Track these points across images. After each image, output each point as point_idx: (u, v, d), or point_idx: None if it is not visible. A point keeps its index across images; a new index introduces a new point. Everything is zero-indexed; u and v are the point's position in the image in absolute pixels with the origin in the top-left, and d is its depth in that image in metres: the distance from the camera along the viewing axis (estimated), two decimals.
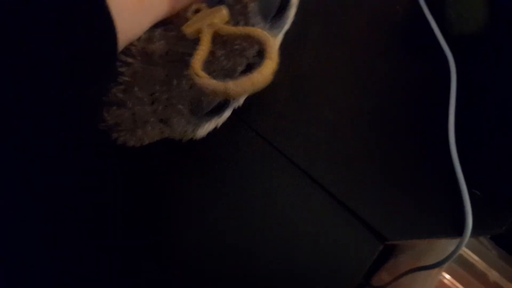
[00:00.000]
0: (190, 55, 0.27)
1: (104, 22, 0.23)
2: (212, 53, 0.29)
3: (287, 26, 0.33)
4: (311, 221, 0.36)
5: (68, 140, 0.27)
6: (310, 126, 0.39)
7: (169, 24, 0.30)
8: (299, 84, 0.39)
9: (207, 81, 0.25)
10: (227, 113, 0.32)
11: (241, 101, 0.32)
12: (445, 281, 0.49)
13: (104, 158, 0.34)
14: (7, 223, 0.31)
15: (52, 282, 0.32)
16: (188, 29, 0.28)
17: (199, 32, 0.28)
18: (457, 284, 0.49)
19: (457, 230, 0.37)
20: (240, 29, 0.27)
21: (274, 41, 0.26)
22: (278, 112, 0.38)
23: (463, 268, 0.48)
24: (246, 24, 0.29)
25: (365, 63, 0.42)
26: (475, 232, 0.37)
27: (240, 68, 0.29)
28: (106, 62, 0.25)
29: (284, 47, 0.34)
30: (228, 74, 0.29)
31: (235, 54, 0.29)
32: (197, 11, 0.29)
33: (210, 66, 0.29)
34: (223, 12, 0.28)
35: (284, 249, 0.35)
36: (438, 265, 0.39)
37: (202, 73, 0.25)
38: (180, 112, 0.30)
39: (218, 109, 0.31)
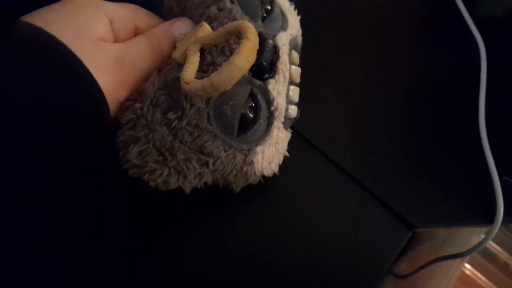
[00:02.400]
0: None
1: (91, 92, 0.24)
2: (213, 63, 0.27)
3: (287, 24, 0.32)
4: (337, 209, 0.35)
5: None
6: (336, 115, 0.38)
7: None
8: (324, 74, 0.38)
9: (194, 83, 0.24)
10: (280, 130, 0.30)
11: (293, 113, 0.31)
12: (467, 271, 0.48)
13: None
14: (6, 223, 0.31)
15: (52, 282, 0.31)
16: (177, 53, 0.27)
17: (185, 52, 0.27)
18: (479, 275, 0.48)
19: (487, 218, 0.36)
20: (220, 30, 0.26)
21: (250, 24, 0.25)
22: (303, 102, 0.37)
23: (485, 258, 0.47)
24: None
25: (392, 49, 0.42)
26: (506, 220, 0.36)
27: None
28: (100, 129, 0.26)
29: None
30: None
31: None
32: (182, 38, 0.29)
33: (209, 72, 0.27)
34: (204, 26, 0.27)
35: (311, 238, 0.34)
36: (465, 254, 0.38)
37: (190, 79, 0.24)
38: (208, 131, 0.27)
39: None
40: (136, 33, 0.29)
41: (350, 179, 0.36)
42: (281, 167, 0.33)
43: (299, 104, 0.32)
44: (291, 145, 0.33)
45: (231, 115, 0.27)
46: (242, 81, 0.28)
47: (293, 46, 0.32)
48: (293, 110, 0.31)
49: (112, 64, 0.25)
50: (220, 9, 0.29)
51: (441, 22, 0.43)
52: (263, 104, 0.29)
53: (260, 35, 0.28)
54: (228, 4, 0.29)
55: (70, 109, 0.23)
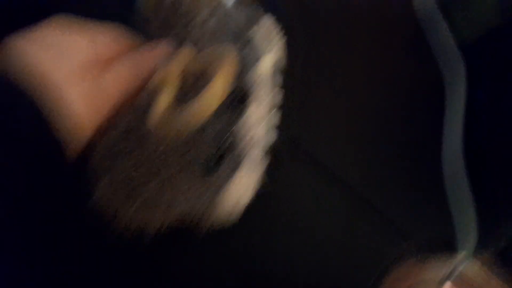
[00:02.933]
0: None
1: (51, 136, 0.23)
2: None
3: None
4: (338, 224, 0.35)
5: None
6: (337, 127, 0.37)
7: None
8: (319, 85, 0.38)
9: (165, 120, 0.24)
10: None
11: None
12: None
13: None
14: None
15: None
16: (153, 81, 0.27)
17: (162, 80, 0.26)
18: None
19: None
20: (198, 57, 0.26)
21: (226, 55, 0.25)
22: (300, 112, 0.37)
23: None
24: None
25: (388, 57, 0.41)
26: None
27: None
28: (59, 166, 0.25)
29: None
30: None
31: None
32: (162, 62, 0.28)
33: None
34: (185, 52, 0.27)
35: (308, 248, 0.34)
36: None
37: (158, 115, 0.24)
38: (176, 164, 0.26)
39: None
40: (119, 53, 0.28)
41: (341, 184, 0.36)
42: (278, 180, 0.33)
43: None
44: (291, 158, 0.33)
45: (203, 150, 0.27)
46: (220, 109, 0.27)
47: (276, 69, 0.32)
48: (273, 136, 0.31)
49: (89, 93, 0.25)
50: (203, 33, 0.29)
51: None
52: (232, 138, 0.28)
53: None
54: (209, 27, 0.29)
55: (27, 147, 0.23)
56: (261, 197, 0.32)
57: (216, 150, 0.27)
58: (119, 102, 0.27)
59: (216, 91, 0.23)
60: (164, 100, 0.25)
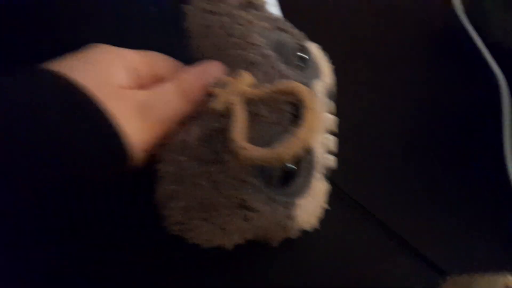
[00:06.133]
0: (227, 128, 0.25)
1: (112, 137, 0.24)
2: (252, 115, 0.26)
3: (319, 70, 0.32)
4: (366, 255, 0.34)
5: None
6: (361, 156, 0.37)
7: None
8: (344, 110, 0.37)
9: (254, 152, 0.24)
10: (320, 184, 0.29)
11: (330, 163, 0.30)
12: None
13: None
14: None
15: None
16: (217, 105, 0.26)
17: (228, 104, 0.26)
18: None
19: None
20: (270, 87, 0.26)
21: (309, 91, 0.25)
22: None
23: None
24: (277, 77, 0.27)
25: (404, 84, 0.40)
26: None
27: (287, 113, 0.27)
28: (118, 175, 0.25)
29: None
30: (276, 127, 0.27)
31: (276, 107, 0.27)
32: (217, 84, 0.28)
33: (253, 128, 0.26)
34: (246, 76, 0.27)
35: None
36: None
37: (247, 145, 0.24)
38: (251, 184, 0.26)
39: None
40: (160, 80, 0.28)
41: (375, 221, 0.35)
42: None
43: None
44: None
45: (272, 168, 0.26)
46: (281, 131, 0.27)
47: (327, 94, 0.31)
48: (331, 160, 0.30)
49: (136, 111, 0.25)
50: (261, 55, 0.28)
51: (457, 56, 0.42)
52: (304, 155, 0.27)
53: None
54: (268, 51, 0.28)
55: (91, 153, 0.23)
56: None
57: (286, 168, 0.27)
58: (170, 120, 0.27)
59: (310, 129, 0.24)
60: (239, 127, 0.24)
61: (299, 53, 0.30)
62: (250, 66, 0.28)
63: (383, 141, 0.38)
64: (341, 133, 0.31)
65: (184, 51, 0.30)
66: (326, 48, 0.34)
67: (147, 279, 0.32)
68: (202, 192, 0.26)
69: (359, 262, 0.34)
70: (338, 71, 0.34)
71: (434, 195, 0.36)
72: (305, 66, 0.30)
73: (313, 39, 0.33)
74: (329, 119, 0.30)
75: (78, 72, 0.24)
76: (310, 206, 0.29)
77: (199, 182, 0.26)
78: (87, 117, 0.22)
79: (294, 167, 0.27)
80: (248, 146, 0.24)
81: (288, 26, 0.32)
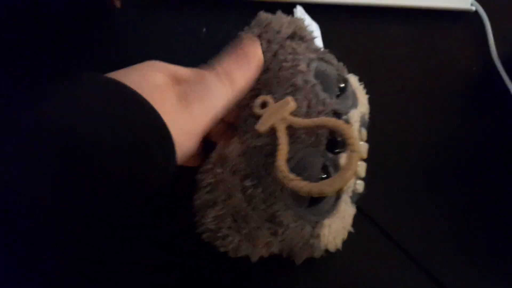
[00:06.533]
0: (269, 146, 0.28)
1: (164, 143, 0.23)
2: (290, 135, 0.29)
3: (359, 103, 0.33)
4: (385, 280, 0.35)
5: None
6: (389, 185, 0.38)
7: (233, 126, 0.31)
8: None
9: (299, 183, 0.25)
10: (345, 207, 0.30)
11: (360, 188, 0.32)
12: None
13: None
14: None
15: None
16: (262, 127, 0.28)
17: (273, 128, 0.28)
18: None
19: None
20: (314, 121, 0.28)
21: (351, 128, 0.27)
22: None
23: None
24: (317, 103, 0.29)
25: (439, 128, 0.42)
26: None
27: (324, 138, 0.29)
28: (166, 178, 0.24)
29: None
30: (313, 145, 0.29)
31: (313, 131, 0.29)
32: (263, 105, 0.30)
33: (292, 146, 0.28)
34: (291, 104, 0.29)
35: None
36: None
37: (292, 175, 0.26)
38: (281, 200, 0.28)
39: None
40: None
41: (398, 249, 0.36)
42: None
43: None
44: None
45: None
46: (316, 153, 0.29)
47: (362, 123, 0.33)
48: (360, 185, 0.32)
49: (178, 100, 0.25)
50: (305, 81, 0.30)
51: (491, 105, 0.43)
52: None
53: (335, 113, 0.30)
54: (312, 78, 0.30)
55: (143, 151, 0.22)
56: None
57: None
58: (213, 111, 0.27)
59: (354, 171, 0.25)
60: (283, 155, 0.26)
61: (339, 84, 0.32)
62: (294, 90, 0.30)
63: (406, 169, 0.39)
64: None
65: None
66: (373, 82, 0.36)
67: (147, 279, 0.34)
68: (236, 203, 0.27)
69: (365, 274, 0.35)
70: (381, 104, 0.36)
71: (445, 217, 0.38)
72: (344, 95, 0.32)
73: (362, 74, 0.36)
74: (362, 146, 0.32)
75: (117, 76, 0.24)
76: (336, 227, 0.30)
77: (234, 194, 0.27)
78: (140, 115, 0.22)
79: None
80: (293, 177, 0.25)
81: (331, 57, 0.34)
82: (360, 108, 0.33)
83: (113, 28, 0.44)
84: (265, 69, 0.32)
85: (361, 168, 0.32)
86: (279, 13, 0.34)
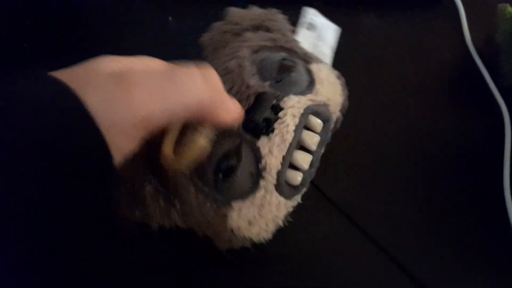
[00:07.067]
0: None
1: (97, 143, 0.22)
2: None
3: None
4: (359, 274, 0.34)
5: None
6: (359, 177, 0.37)
7: None
8: (348, 137, 0.38)
9: (170, 159, 0.26)
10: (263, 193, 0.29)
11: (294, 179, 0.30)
12: None
13: None
14: None
15: None
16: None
17: None
18: None
19: None
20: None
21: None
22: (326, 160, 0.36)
23: None
24: (242, 85, 0.29)
25: (414, 114, 0.41)
26: None
27: None
28: (102, 177, 0.23)
29: None
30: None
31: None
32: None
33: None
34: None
35: None
36: None
37: (169, 153, 0.25)
38: (184, 174, 0.28)
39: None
40: None
41: (370, 240, 0.35)
42: (299, 225, 0.33)
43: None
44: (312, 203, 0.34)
45: (207, 162, 0.28)
46: (230, 133, 0.28)
47: (312, 111, 0.31)
48: (295, 176, 0.30)
49: (114, 89, 0.23)
50: (238, 66, 0.30)
51: (466, 89, 0.42)
52: (247, 158, 0.28)
53: (259, 94, 0.29)
54: (247, 63, 0.31)
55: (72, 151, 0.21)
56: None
57: (219, 171, 0.28)
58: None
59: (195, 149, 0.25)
60: (169, 141, 0.26)
61: (284, 71, 0.32)
62: (226, 73, 0.30)
63: (384, 163, 0.38)
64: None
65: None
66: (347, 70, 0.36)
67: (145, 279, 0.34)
68: (138, 170, 0.29)
69: (353, 279, 0.34)
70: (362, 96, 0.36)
71: (433, 221, 0.36)
72: (286, 81, 0.31)
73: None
74: (306, 135, 0.30)
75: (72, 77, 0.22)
76: (250, 214, 0.28)
77: (140, 160, 0.29)
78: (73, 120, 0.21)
79: (233, 165, 0.28)
80: (165, 154, 0.26)
81: (296, 46, 0.34)
82: (313, 97, 0.31)
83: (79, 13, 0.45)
84: (213, 55, 0.33)
85: (302, 158, 0.30)
86: (252, 8, 0.35)
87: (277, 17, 0.36)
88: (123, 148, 0.23)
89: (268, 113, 0.29)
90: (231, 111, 0.26)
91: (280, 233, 0.34)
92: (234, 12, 0.35)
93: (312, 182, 0.35)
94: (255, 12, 0.35)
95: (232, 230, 0.28)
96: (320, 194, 0.36)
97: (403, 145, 0.39)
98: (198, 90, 0.24)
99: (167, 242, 0.31)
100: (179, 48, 0.30)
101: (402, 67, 0.43)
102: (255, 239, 0.29)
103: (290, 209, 0.31)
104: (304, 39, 0.42)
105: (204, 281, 0.33)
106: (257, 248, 0.31)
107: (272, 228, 0.30)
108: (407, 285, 0.33)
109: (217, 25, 0.35)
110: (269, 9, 0.37)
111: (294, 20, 0.42)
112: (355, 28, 0.45)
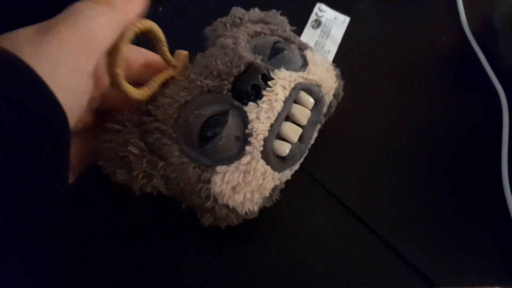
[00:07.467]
0: None
1: (52, 107, 0.21)
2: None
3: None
4: (357, 264, 0.34)
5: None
6: (356, 166, 0.37)
7: None
8: (343, 121, 0.38)
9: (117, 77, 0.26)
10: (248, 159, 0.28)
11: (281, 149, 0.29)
12: None
13: None
14: None
15: None
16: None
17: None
18: None
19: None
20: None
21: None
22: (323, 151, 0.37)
23: None
24: (234, 56, 0.30)
25: (413, 99, 0.40)
26: None
27: (227, 83, 0.29)
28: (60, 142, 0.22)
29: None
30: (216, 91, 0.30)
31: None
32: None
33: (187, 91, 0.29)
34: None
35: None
36: None
37: (119, 70, 0.25)
38: (169, 135, 0.28)
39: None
40: None
41: (371, 233, 0.34)
42: (297, 216, 0.32)
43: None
44: (310, 194, 0.34)
45: (192, 123, 0.27)
46: (219, 98, 0.28)
47: (303, 87, 0.31)
48: (283, 146, 0.29)
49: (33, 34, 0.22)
50: (234, 43, 0.31)
51: (463, 73, 0.41)
52: (234, 123, 0.28)
53: (249, 63, 0.29)
54: (242, 41, 0.31)
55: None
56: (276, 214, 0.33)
57: (204, 132, 0.28)
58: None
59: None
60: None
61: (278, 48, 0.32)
62: (221, 48, 0.31)
63: (382, 150, 0.38)
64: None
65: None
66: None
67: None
68: (126, 133, 0.29)
69: (351, 269, 0.33)
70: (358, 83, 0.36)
71: (429, 208, 0.35)
72: (278, 57, 0.31)
73: None
74: (296, 109, 0.30)
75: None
76: (235, 179, 0.27)
77: (128, 126, 0.29)
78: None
79: (214, 128, 0.28)
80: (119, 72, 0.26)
81: (292, 36, 0.35)
82: (305, 75, 0.31)
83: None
84: (214, 37, 0.34)
85: (290, 130, 0.29)
86: (253, 10, 0.37)
87: (278, 17, 0.37)
88: (76, 90, 0.23)
89: (256, 81, 0.28)
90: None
91: (275, 222, 0.34)
92: (237, 10, 0.36)
93: (308, 172, 0.36)
94: (257, 11, 0.37)
95: (215, 199, 0.28)
96: (317, 183, 0.36)
97: (399, 132, 0.39)
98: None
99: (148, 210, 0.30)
100: (170, 39, 0.30)
101: (398, 52, 0.43)
102: (240, 209, 0.28)
103: (278, 183, 0.30)
104: (308, 37, 0.44)
105: (197, 276, 0.33)
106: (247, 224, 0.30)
107: (257, 199, 0.29)
108: (403, 272, 0.33)
109: (220, 20, 0.36)
110: (271, 11, 0.38)
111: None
112: (350, 14, 0.44)
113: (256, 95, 0.28)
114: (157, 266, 0.33)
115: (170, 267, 0.33)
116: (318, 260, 0.33)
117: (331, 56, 0.42)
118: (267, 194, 0.29)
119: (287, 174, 0.31)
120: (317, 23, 0.44)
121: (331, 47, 0.43)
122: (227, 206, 0.28)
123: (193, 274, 0.33)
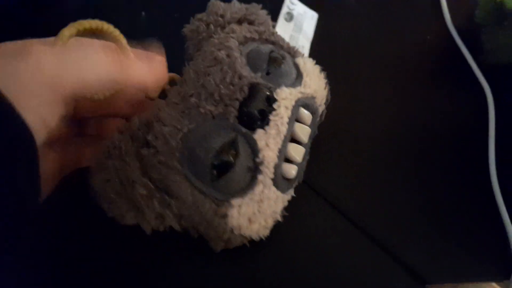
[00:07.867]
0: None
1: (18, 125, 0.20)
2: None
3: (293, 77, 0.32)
4: (348, 262, 0.34)
5: None
6: (345, 165, 0.37)
7: None
8: (331, 122, 0.37)
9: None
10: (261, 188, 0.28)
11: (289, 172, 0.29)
12: None
13: None
14: None
15: None
16: None
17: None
18: None
19: (503, 273, 0.34)
20: None
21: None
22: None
23: None
24: (234, 76, 0.29)
25: (396, 98, 0.41)
26: None
27: (233, 109, 0.28)
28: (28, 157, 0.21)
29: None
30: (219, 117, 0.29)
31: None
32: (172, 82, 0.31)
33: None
34: None
35: None
36: None
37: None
38: (178, 171, 0.26)
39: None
40: None
41: (361, 232, 0.35)
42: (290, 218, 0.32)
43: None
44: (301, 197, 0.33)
45: (202, 157, 0.26)
46: (225, 125, 0.27)
47: (302, 104, 0.30)
48: (290, 169, 0.29)
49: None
50: (227, 55, 0.29)
51: (448, 70, 0.42)
52: (244, 153, 0.27)
53: (252, 85, 0.28)
54: (236, 53, 0.30)
55: None
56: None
57: (217, 162, 0.27)
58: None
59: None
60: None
61: (273, 62, 0.31)
62: (215, 63, 0.29)
63: (372, 149, 0.38)
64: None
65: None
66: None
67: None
68: (127, 169, 0.27)
69: (341, 267, 0.33)
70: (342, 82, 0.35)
71: (419, 204, 0.36)
72: (276, 72, 0.31)
73: None
74: (298, 127, 0.30)
75: None
76: (250, 210, 0.27)
77: (127, 160, 0.27)
78: None
79: (230, 159, 0.27)
80: None
81: (280, 40, 0.34)
82: (303, 89, 0.31)
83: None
84: (197, 50, 0.32)
85: (295, 151, 0.29)
86: (233, 2, 0.35)
87: (259, 12, 0.35)
88: (45, 114, 0.22)
89: (262, 105, 0.28)
90: (145, 69, 0.26)
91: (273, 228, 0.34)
92: (216, 5, 0.34)
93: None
94: (237, 6, 0.35)
95: (232, 230, 0.27)
96: (311, 190, 0.36)
97: (386, 129, 0.39)
98: (100, 59, 0.24)
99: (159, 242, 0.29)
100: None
101: (382, 50, 0.43)
102: (254, 237, 0.28)
103: (286, 203, 0.30)
104: (282, 30, 0.42)
105: (197, 280, 0.32)
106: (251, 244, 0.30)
107: (270, 224, 0.29)
108: (399, 273, 0.33)
109: (200, 16, 0.34)
110: (251, 4, 0.36)
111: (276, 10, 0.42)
112: (333, 11, 0.44)
113: (262, 119, 0.28)
114: (157, 266, 0.33)
115: (170, 267, 0.33)
116: (313, 261, 0.33)
117: (305, 52, 0.42)
118: (279, 218, 0.29)
119: (291, 192, 0.31)
120: (290, 16, 0.43)
121: (305, 43, 0.42)
122: (243, 235, 0.28)
123: (192, 274, 0.33)
